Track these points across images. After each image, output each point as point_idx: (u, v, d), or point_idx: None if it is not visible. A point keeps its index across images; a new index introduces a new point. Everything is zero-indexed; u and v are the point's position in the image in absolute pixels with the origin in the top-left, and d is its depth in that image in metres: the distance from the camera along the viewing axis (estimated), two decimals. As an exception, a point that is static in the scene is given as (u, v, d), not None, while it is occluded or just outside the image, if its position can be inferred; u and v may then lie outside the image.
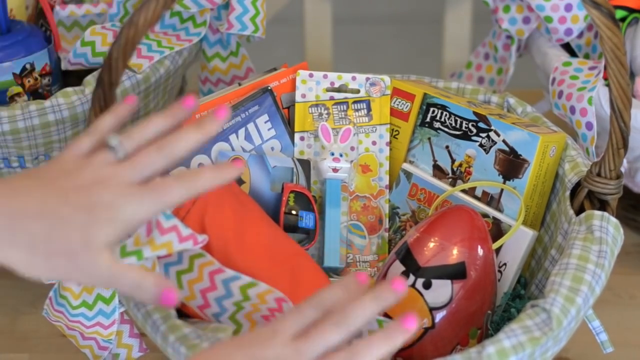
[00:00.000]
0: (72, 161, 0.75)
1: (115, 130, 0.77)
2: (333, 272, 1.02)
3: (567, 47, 1.22)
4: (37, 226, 0.72)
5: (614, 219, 0.89)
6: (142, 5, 0.79)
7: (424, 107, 1.04)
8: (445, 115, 1.03)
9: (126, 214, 0.73)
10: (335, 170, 1.02)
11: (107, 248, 0.73)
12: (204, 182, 0.74)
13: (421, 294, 0.90)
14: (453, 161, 1.02)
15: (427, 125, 1.04)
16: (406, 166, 1.04)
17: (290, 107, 1.06)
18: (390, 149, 1.06)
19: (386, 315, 0.91)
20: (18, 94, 1.10)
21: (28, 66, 1.10)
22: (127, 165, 0.74)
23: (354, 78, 1.06)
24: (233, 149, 1.01)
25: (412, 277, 0.91)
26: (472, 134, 1.01)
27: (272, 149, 1.03)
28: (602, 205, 0.93)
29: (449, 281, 0.90)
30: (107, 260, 0.73)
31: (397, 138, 1.06)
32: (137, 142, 0.75)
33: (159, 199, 0.73)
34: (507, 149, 0.99)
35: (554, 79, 1.12)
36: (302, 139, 1.04)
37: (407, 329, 0.72)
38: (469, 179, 1.01)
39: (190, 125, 0.75)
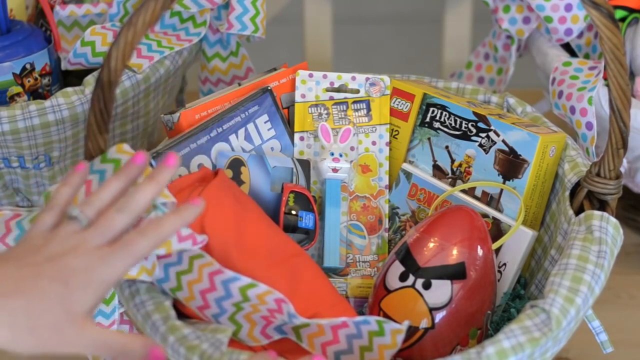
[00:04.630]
0: (38, 237, 0.77)
1: (72, 199, 0.80)
2: (333, 272, 1.02)
3: (567, 47, 1.22)
4: (16, 303, 0.72)
5: (613, 219, 0.89)
6: (142, 6, 0.79)
7: (424, 107, 1.04)
8: (445, 115, 1.03)
9: (100, 276, 0.75)
10: (335, 170, 1.02)
11: (88, 315, 0.75)
12: (168, 230, 0.78)
13: (421, 294, 0.90)
14: (453, 161, 1.02)
15: (426, 125, 1.04)
16: (406, 166, 1.04)
17: (290, 107, 1.06)
18: (390, 149, 1.06)
19: (386, 316, 0.92)
20: (18, 94, 1.10)
21: (28, 66, 1.10)
22: (91, 230, 0.77)
23: (353, 78, 1.06)
24: (233, 149, 1.01)
25: (411, 277, 0.91)
26: (472, 134, 1.01)
27: (272, 149, 1.03)
28: (602, 206, 0.93)
29: (448, 281, 0.90)
30: (92, 330, 0.74)
31: (396, 138, 1.06)
32: (97, 207, 0.78)
33: (128, 255, 0.76)
34: (506, 149, 0.99)
35: (554, 79, 1.12)
36: (301, 139, 1.04)
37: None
38: (468, 179, 1.01)
39: (144, 181, 0.79)
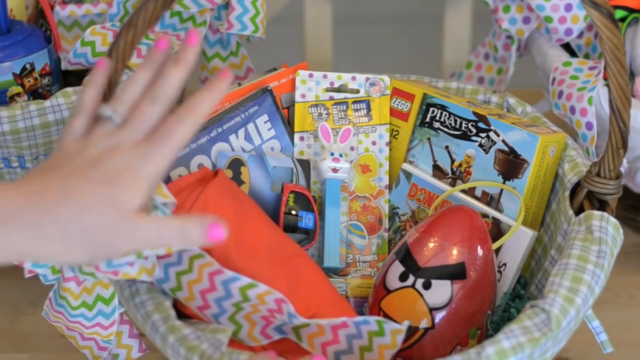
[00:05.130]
0: (72, 145, 0.75)
1: (100, 99, 0.77)
2: (333, 272, 1.02)
3: (567, 47, 1.22)
4: (64, 211, 0.70)
5: (613, 219, 0.89)
6: (142, 6, 0.79)
7: (424, 107, 1.04)
8: (445, 115, 1.03)
9: (145, 171, 0.73)
10: (335, 170, 1.02)
11: (140, 210, 0.72)
12: (204, 108, 0.75)
13: (421, 294, 0.90)
14: (453, 161, 1.02)
15: (426, 125, 1.04)
16: (406, 166, 1.04)
17: (290, 107, 1.06)
18: (390, 149, 1.06)
19: (386, 316, 0.92)
20: (18, 94, 1.10)
21: (28, 66, 1.10)
22: (127, 127, 0.74)
23: (353, 78, 1.06)
24: (233, 149, 1.01)
25: (411, 277, 0.91)
26: (472, 134, 1.01)
27: (272, 149, 1.03)
28: (602, 206, 0.93)
29: (448, 281, 0.90)
30: (147, 223, 0.72)
31: (396, 138, 1.06)
32: (128, 102, 0.76)
33: (168, 147, 0.74)
34: (506, 149, 0.99)
35: (554, 79, 1.12)
36: (301, 139, 1.04)
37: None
38: (468, 179, 1.01)
39: (170, 65, 0.76)
